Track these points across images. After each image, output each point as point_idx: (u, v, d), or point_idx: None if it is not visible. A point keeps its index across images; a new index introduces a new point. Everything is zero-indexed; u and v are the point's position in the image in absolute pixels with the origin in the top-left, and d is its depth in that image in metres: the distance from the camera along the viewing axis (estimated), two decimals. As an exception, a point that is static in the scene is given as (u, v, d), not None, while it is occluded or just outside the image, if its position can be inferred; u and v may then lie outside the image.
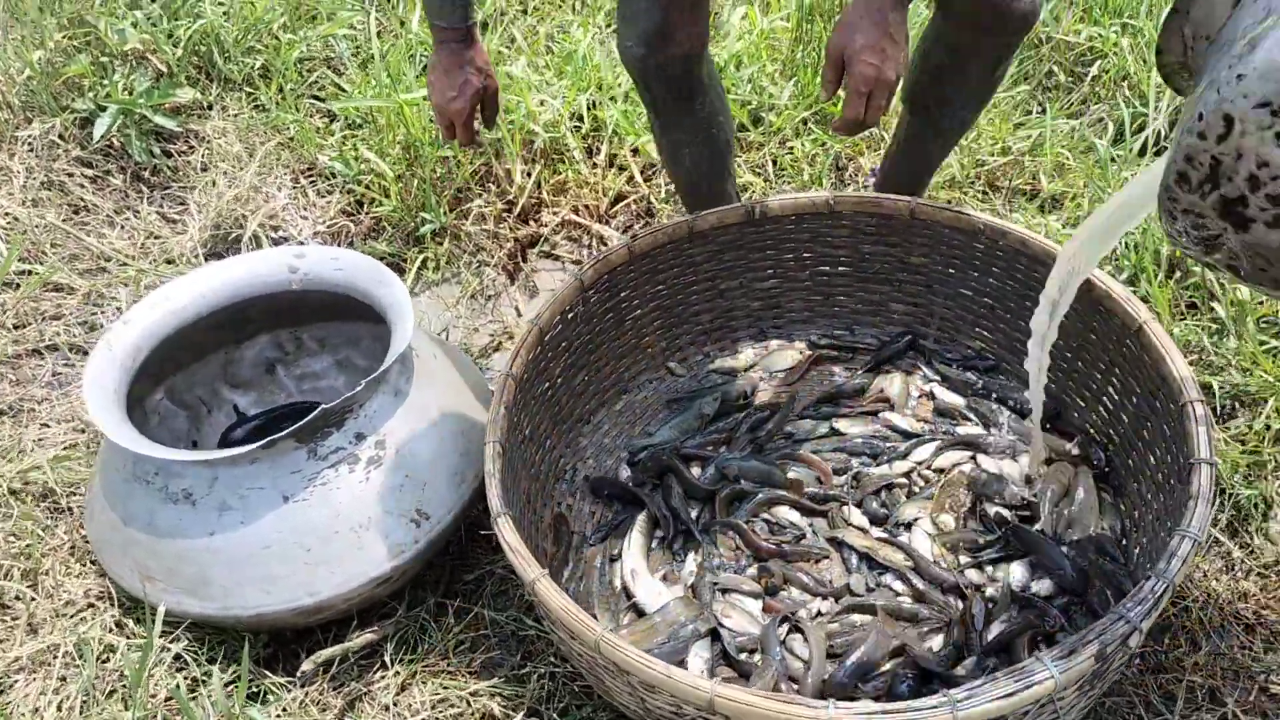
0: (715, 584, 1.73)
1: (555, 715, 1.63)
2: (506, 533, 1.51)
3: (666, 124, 2.00)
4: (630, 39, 1.85)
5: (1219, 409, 1.96)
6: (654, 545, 1.83)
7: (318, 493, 1.57)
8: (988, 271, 1.99)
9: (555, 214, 2.57)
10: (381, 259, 2.50)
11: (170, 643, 1.61)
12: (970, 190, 2.51)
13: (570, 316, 1.92)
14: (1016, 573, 1.70)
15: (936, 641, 1.63)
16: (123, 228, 2.56)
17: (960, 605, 1.67)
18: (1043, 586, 1.68)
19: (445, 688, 1.65)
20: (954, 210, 1.96)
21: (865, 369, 2.07)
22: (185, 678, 1.59)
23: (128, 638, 1.64)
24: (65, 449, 1.99)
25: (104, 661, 1.61)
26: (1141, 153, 2.47)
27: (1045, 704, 1.33)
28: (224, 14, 2.84)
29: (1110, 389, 1.84)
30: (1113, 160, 2.44)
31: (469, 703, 1.64)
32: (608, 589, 1.77)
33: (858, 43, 1.53)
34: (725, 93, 2.09)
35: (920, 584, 1.71)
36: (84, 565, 1.76)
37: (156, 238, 2.54)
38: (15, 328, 2.25)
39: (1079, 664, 1.29)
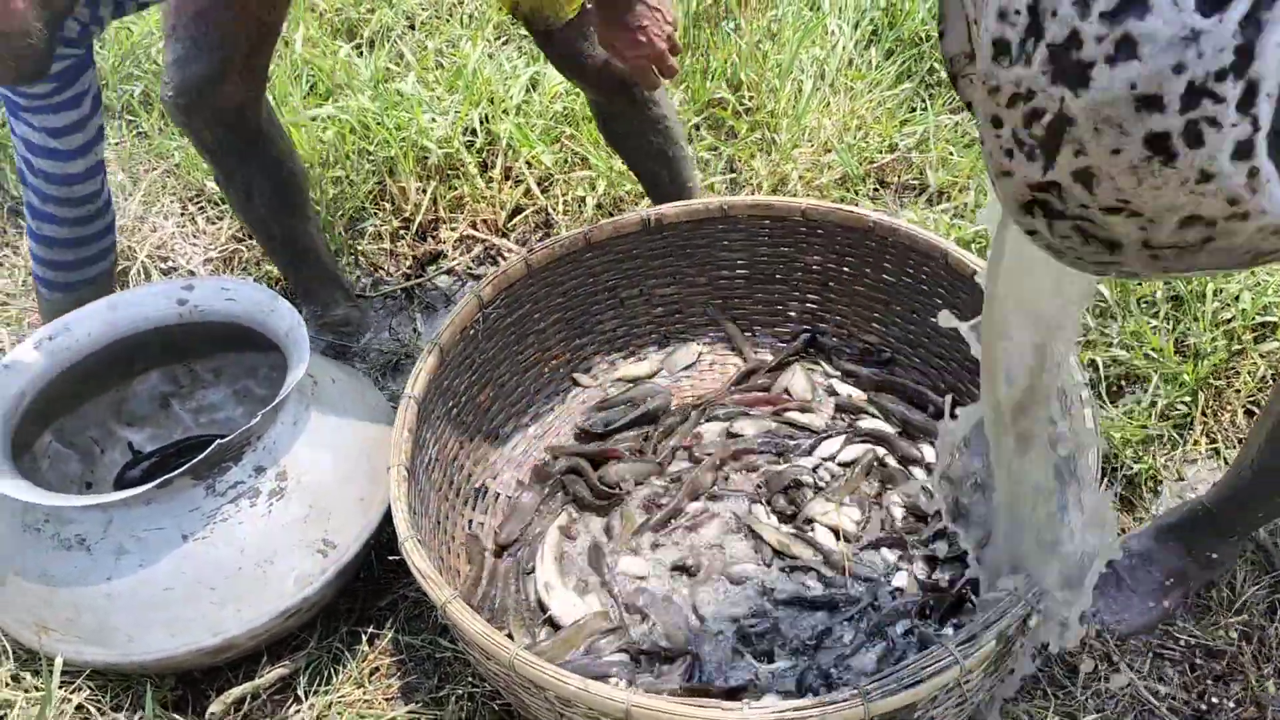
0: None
1: (476, 736, 1.62)
2: (415, 557, 1.49)
3: (229, 172, 1.99)
4: (169, 90, 1.83)
5: (1108, 387, 2.04)
6: (564, 555, 1.84)
7: (219, 529, 1.54)
8: (880, 268, 2.04)
9: (453, 230, 2.56)
10: (275, 282, 2.46)
11: (71, 693, 1.56)
12: (862, 188, 2.57)
13: (471, 334, 1.91)
14: (919, 566, 1.75)
15: (848, 632, 1.67)
16: (1, 264, 2.47)
17: (870, 595, 1.71)
18: (946, 576, 1.73)
19: (362, 717, 1.63)
20: (844, 209, 2.00)
21: (767, 370, 2.10)
22: (91, 729, 1.54)
23: (25, 691, 1.59)
24: (-50, 499, 1.91)
25: (2, 718, 1.55)
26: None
27: (953, 688, 1.36)
28: (98, 41, 2.76)
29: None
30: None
31: (388, 731, 1.62)
32: (523, 604, 1.76)
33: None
34: (288, 133, 2.10)
35: (828, 574, 1.74)
36: (-25, 620, 1.69)
37: (39, 274, 2.45)
38: (-110, 376, 2.16)
39: (982, 648, 1.33)
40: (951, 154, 2.59)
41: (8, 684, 1.60)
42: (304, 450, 1.63)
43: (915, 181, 2.62)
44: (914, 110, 2.73)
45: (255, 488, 1.57)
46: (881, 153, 2.62)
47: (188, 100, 1.83)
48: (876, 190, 2.61)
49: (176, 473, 1.50)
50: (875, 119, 2.67)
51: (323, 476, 1.64)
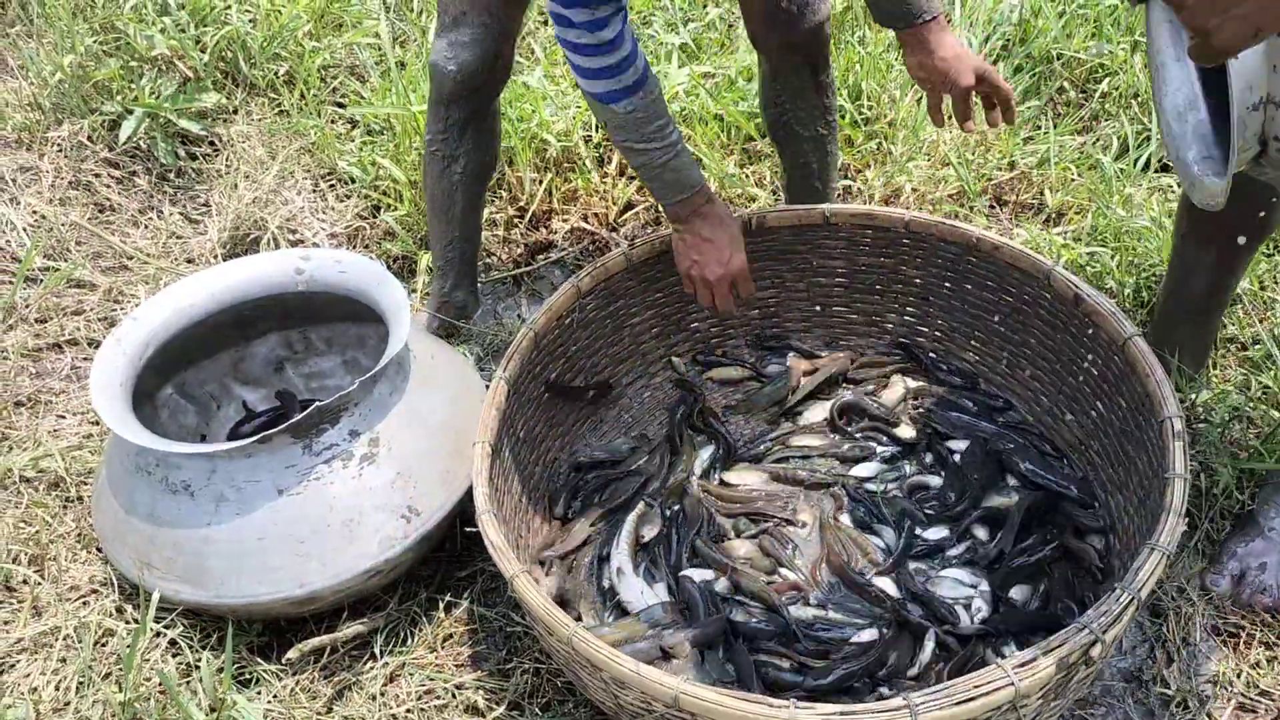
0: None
1: (537, 710, 1.67)
2: (489, 530, 1.55)
3: (451, 136, 2.07)
4: (455, 62, 1.95)
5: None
6: (641, 545, 1.87)
7: (311, 487, 1.62)
8: (982, 285, 2.01)
9: (565, 221, 2.62)
10: (395, 260, 2.57)
11: (165, 628, 1.67)
12: (977, 204, 2.53)
13: (567, 322, 1.96)
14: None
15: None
16: (146, 227, 2.64)
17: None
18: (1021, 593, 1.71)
19: (431, 679, 1.70)
20: (948, 223, 1.98)
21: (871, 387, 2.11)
22: (179, 663, 1.64)
23: (126, 623, 1.70)
24: (80, 440, 2.06)
25: (102, 645, 1.67)
26: (1145, 168, 2.48)
27: (1007, 710, 1.35)
28: (250, 21, 2.92)
29: (1099, 403, 1.86)
30: (1116, 176, 2.45)
31: (454, 695, 1.69)
32: (595, 588, 1.81)
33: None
34: (502, 125, 2.21)
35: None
36: (90, 552, 1.83)
37: (178, 237, 2.61)
38: (37, 322, 2.34)
39: (1040, 673, 1.32)
40: (1073, 176, 2.53)
41: (111, 614, 1.72)
42: (397, 420, 1.71)
43: (1034, 201, 2.56)
44: (1038, 129, 2.68)
45: (349, 451, 1.65)
46: (1000, 170, 2.58)
47: (463, 77, 1.97)
48: (992, 208, 2.56)
49: (276, 430, 1.59)
50: (998, 136, 2.62)
51: (413, 446, 1.71)
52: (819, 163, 2.23)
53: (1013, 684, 1.30)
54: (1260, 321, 2.18)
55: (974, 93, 1.82)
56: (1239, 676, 1.66)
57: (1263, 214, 1.79)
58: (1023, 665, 1.32)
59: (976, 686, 1.30)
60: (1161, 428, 1.60)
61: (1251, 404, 2.01)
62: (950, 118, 1.89)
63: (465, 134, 2.06)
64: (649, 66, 1.74)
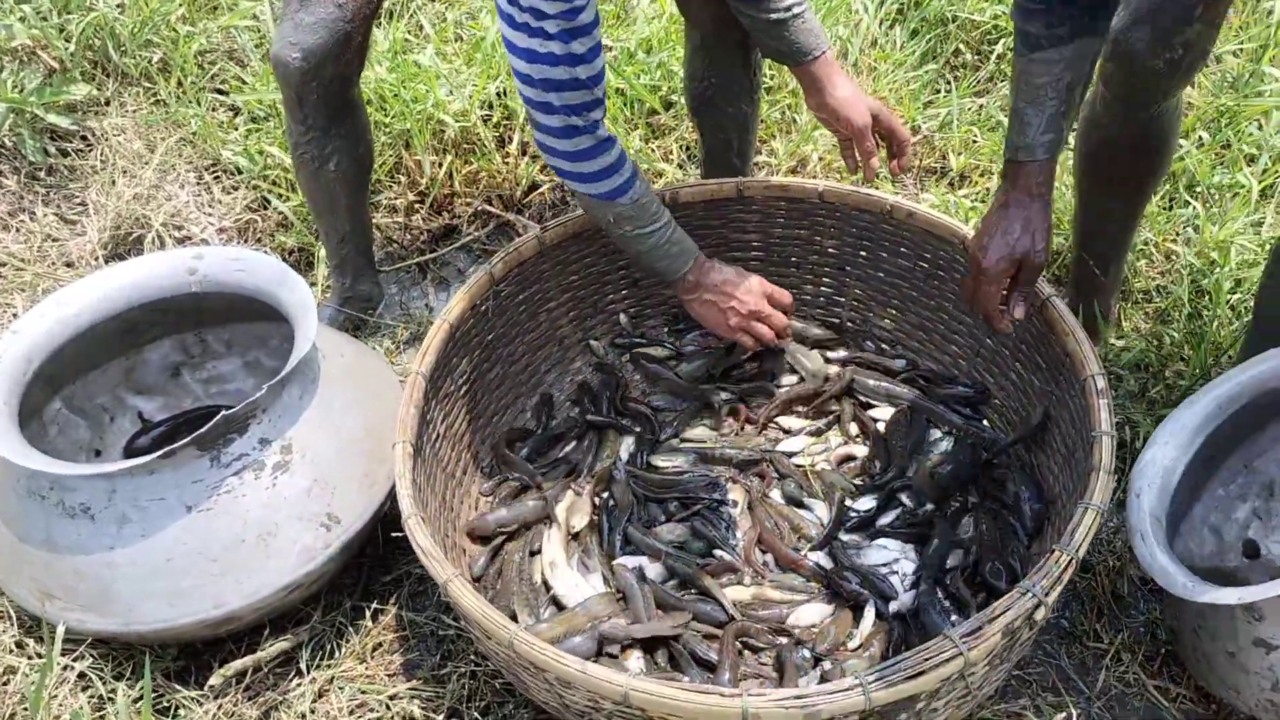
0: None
1: (477, 714, 1.62)
2: (417, 535, 1.49)
3: (315, 137, 1.96)
4: (299, 49, 1.82)
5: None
6: (572, 535, 1.83)
7: (222, 501, 1.53)
8: (897, 252, 2.01)
9: (468, 204, 2.54)
10: (290, 253, 2.46)
11: (74, 661, 1.56)
12: (881, 170, 2.52)
13: (482, 310, 1.89)
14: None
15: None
16: (18, 230, 2.47)
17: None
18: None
19: (363, 692, 1.63)
20: (863, 191, 1.97)
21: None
22: (90, 697, 1.54)
23: (29, 658, 1.59)
24: (-40, 464, 1.92)
25: (4, 684, 1.55)
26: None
27: (956, 680, 1.34)
28: (118, 6, 2.75)
29: (1018, 364, 1.87)
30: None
31: (388, 706, 1.62)
32: (527, 584, 1.75)
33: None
34: (368, 114, 2.11)
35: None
36: (-19, 585, 1.70)
37: (54, 240, 2.46)
38: (-96, 339, 2.16)
39: (988, 640, 1.32)
40: (975, 138, 2.55)
41: (11, 650, 1.60)
42: (310, 424, 1.62)
43: (937, 165, 2.58)
44: (938, 92, 2.69)
45: (260, 460, 1.56)
46: (903, 135, 2.58)
47: (311, 63, 1.82)
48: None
49: (181, 443, 1.50)
50: (898, 100, 2.63)
51: (328, 451, 1.63)
52: (739, 139, 2.19)
53: (961, 653, 1.30)
54: (1164, 275, 2.24)
55: (871, 136, 1.87)
56: (1159, 626, 1.69)
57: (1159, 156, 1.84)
58: (970, 634, 1.32)
59: (926, 659, 1.30)
60: (1084, 386, 1.61)
61: (1158, 355, 2.05)
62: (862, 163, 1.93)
63: (330, 133, 1.94)
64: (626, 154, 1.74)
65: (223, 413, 1.51)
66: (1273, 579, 1.37)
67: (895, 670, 1.29)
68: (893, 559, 1.75)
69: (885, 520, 1.81)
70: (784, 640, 1.65)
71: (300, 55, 1.81)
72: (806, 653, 1.61)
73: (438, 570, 1.44)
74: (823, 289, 2.13)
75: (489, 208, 2.52)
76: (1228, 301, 2.09)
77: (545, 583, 1.76)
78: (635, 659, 1.61)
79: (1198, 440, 1.61)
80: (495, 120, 2.61)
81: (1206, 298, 2.12)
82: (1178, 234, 2.27)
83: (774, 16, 1.80)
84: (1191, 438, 1.61)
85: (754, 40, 1.93)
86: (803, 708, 1.27)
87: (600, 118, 1.65)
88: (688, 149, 2.57)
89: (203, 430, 1.50)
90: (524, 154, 2.59)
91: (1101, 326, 2.04)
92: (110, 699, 1.55)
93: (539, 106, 1.61)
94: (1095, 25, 1.48)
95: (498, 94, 2.62)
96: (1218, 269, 2.16)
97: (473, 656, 1.66)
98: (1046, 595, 1.35)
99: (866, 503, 1.84)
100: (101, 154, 2.59)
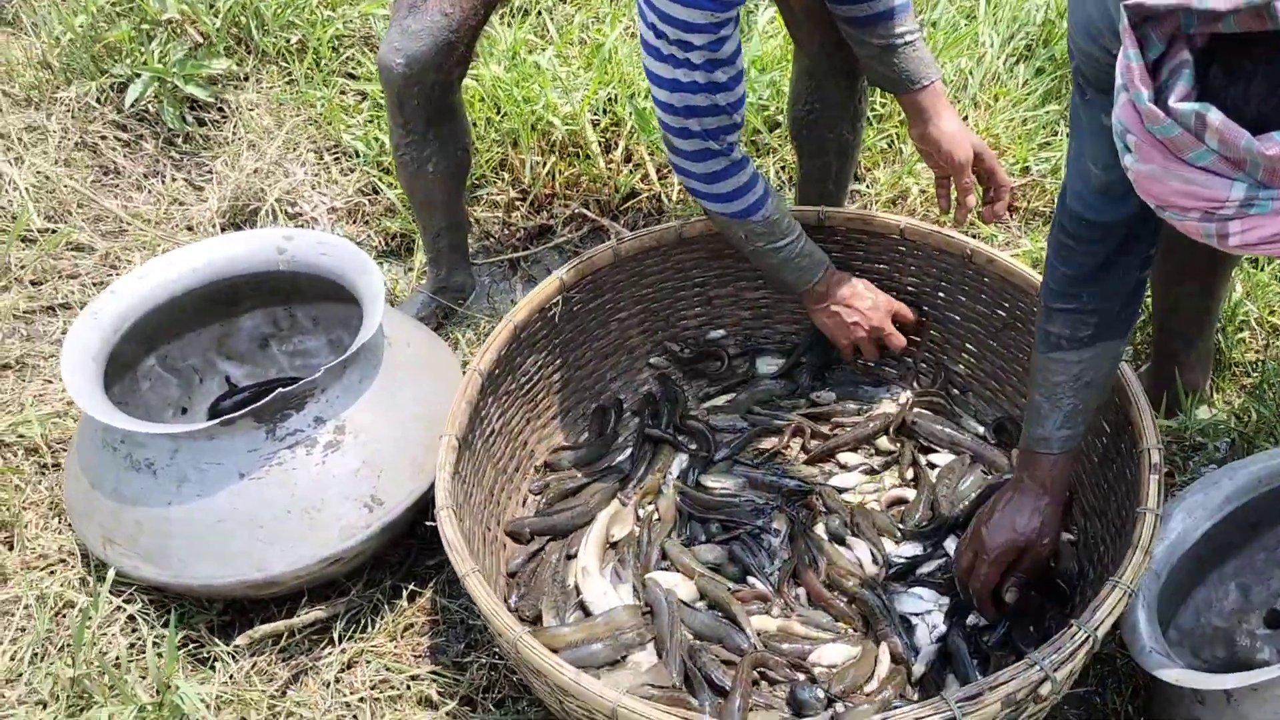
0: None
1: (491, 706, 1.66)
2: (446, 527, 1.54)
3: (414, 140, 2.00)
4: (402, 55, 1.86)
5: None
6: (611, 545, 1.86)
7: (273, 472, 1.62)
8: (976, 297, 1.97)
9: (566, 206, 2.59)
10: (393, 238, 2.55)
11: (125, 603, 1.67)
12: (985, 209, 2.47)
13: (550, 314, 1.94)
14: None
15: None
16: (149, 192, 2.64)
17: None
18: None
19: (388, 669, 1.70)
20: (943, 233, 1.93)
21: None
22: (136, 639, 1.65)
23: (89, 595, 1.71)
24: (63, 406, 2.07)
25: (61, 617, 1.68)
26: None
27: (951, 744, 1.32)
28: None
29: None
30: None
31: (409, 686, 1.69)
32: (559, 586, 1.79)
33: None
34: (468, 117, 2.14)
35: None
36: (61, 521, 1.84)
37: (181, 204, 2.61)
38: (32, 284, 2.35)
39: (984, 709, 1.29)
40: (1086, 185, 2.47)
41: (74, 586, 1.73)
42: (365, 408, 1.70)
43: (1045, 209, 2.50)
44: (1055, 134, 2.61)
45: (312, 438, 1.64)
46: (1013, 175, 2.52)
47: (414, 70, 1.89)
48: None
49: (240, 413, 1.59)
50: (1013, 139, 2.56)
51: (380, 435, 1.70)
52: (838, 166, 2.18)
53: (955, 718, 1.28)
54: (1265, 348, 2.13)
55: (971, 174, 1.85)
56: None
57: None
58: (968, 699, 1.30)
59: (917, 719, 1.28)
60: (1140, 459, 1.56)
61: (1249, 432, 1.96)
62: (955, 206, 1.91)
63: (428, 137, 2.00)
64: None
65: (279, 390, 1.59)
66: None
67: (883, 725, 1.28)
68: (926, 609, 1.73)
69: (926, 569, 1.79)
70: (801, 676, 1.65)
71: (404, 61, 1.87)
72: (820, 692, 1.60)
73: (459, 563, 1.50)
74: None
75: (585, 211, 2.57)
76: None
77: (577, 587, 1.79)
78: (647, 656, 1.63)
79: (1229, 507, 1.59)
80: (603, 125, 2.65)
81: (1305, 376, 2.01)
82: (1284, 308, 2.16)
83: (886, 42, 1.78)
84: (1221, 506, 1.59)
85: (862, 66, 1.91)
86: (784, 749, 1.27)
87: (735, 140, 1.70)
88: (787, 171, 2.57)
89: (260, 403, 1.59)
90: (627, 161, 2.62)
91: (1184, 402, 1.96)
92: (155, 643, 1.65)
93: (677, 132, 1.66)
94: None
95: (609, 100, 2.66)
96: (1324, 347, 2.04)
97: (494, 649, 1.71)
98: (1055, 670, 1.32)
99: (910, 549, 1.82)
100: (234, 126, 2.74)
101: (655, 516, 1.89)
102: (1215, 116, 0.89)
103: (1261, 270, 2.21)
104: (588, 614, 1.75)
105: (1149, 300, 2.03)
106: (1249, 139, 0.88)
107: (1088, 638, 1.34)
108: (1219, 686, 1.36)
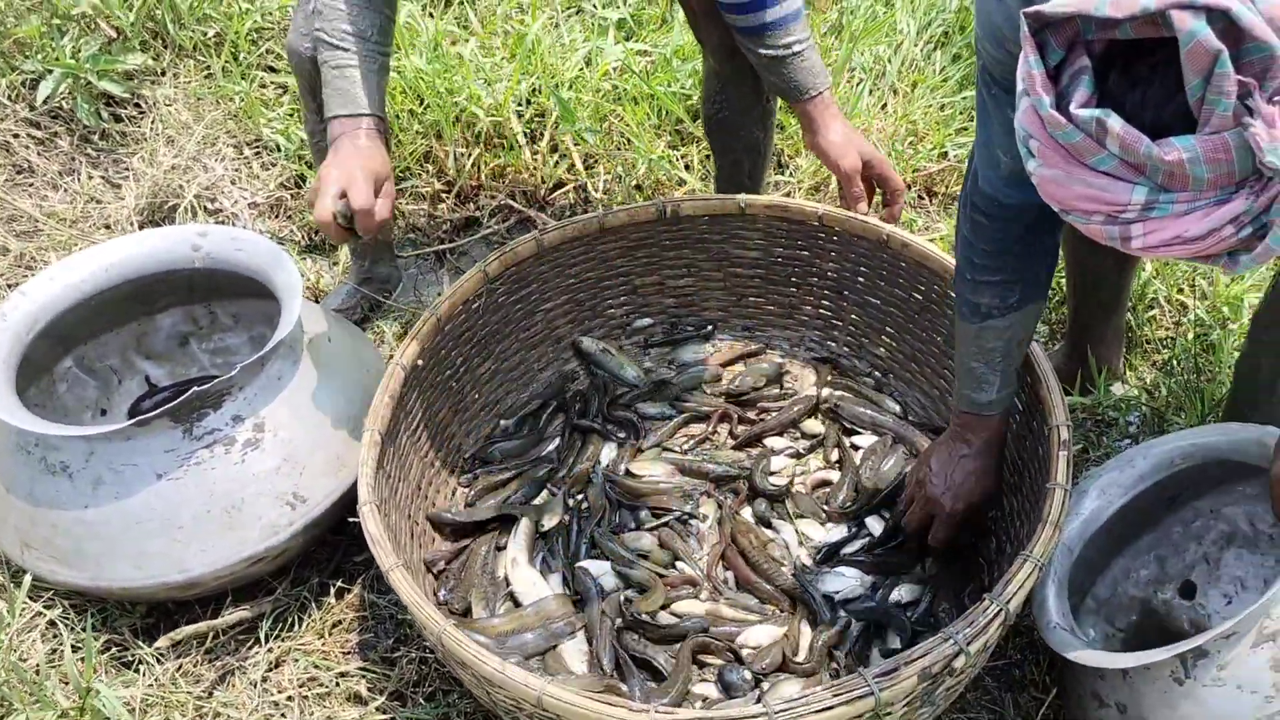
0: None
1: (421, 700, 1.66)
2: (369, 522, 1.54)
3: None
4: (307, 41, 1.84)
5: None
6: (540, 535, 1.86)
7: (191, 472, 1.60)
8: (894, 281, 2.00)
9: (493, 198, 2.59)
10: (317, 232, 2.53)
11: (45, 608, 1.65)
12: (908, 194, 2.51)
13: (475, 307, 1.94)
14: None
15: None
16: (65, 191, 2.58)
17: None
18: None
19: (316, 666, 1.69)
20: (860, 219, 1.96)
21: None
22: (56, 645, 1.63)
23: (5, 602, 1.68)
24: (-23, 411, 2.02)
25: (-22, 625, 1.65)
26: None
27: (870, 718, 1.35)
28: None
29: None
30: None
31: (338, 683, 1.68)
32: (488, 578, 1.79)
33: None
34: None
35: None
36: (-24, 529, 1.80)
37: (97, 202, 2.56)
38: (-58, 287, 2.29)
39: (901, 682, 1.32)
40: (1003, 169, 2.52)
41: (-9, 594, 1.70)
42: (284, 405, 1.68)
43: (963, 193, 2.55)
44: (972, 120, 2.65)
45: (231, 436, 1.63)
46: (931, 160, 2.56)
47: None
48: (921, 199, 2.55)
49: (154, 413, 1.57)
50: (930, 125, 2.60)
51: (300, 432, 1.69)
52: (750, 163, 2.19)
53: (873, 693, 1.31)
54: (1176, 325, 2.19)
55: (861, 179, 1.87)
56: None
57: None
58: (884, 674, 1.32)
59: (836, 695, 1.31)
60: (1050, 435, 1.60)
61: (1159, 406, 2.02)
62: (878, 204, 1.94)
63: None
64: None
65: (194, 389, 1.57)
66: (1194, 628, 1.40)
67: (804, 703, 1.30)
68: (850, 588, 1.76)
69: (850, 550, 1.82)
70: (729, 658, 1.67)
71: (312, 45, 1.84)
72: (748, 673, 1.63)
73: (382, 558, 1.49)
74: (821, 311, 2.13)
75: (512, 203, 2.56)
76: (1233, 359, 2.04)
77: (507, 578, 1.80)
78: (577, 645, 1.65)
79: (1143, 485, 1.65)
80: (527, 116, 2.64)
81: (1211, 352, 2.07)
82: (1192, 286, 2.22)
83: (774, 53, 1.80)
84: (1135, 483, 1.65)
85: (760, 77, 1.93)
86: (707, 729, 1.29)
87: None
88: (709, 163, 2.58)
89: (176, 403, 1.57)
90: (553, 151, 2.62)
91: (1099, 381, 2.01)
92: (76, 648, 1.63)
93: None
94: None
95: (533, 91, 2.66)
96: (1230, 323, 2.11)
97: (423, 643, 1.71)
98: (969, 643, 1.35)
99: (836, 532, 1.85)
100: (151, 123, 2.69)
101: (585, 505, 1.90)
102: (1115, 122, 0.92)
103: (1170, 249, 2.28)
104: (518, 605, 1.75)
105: (1062, 281, 2.09)
106: (1149, 144, 0.91)
107: (999, 611, 1.38)
108: (1116, 665, 1.41)
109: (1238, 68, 0.88)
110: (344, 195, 1.56)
